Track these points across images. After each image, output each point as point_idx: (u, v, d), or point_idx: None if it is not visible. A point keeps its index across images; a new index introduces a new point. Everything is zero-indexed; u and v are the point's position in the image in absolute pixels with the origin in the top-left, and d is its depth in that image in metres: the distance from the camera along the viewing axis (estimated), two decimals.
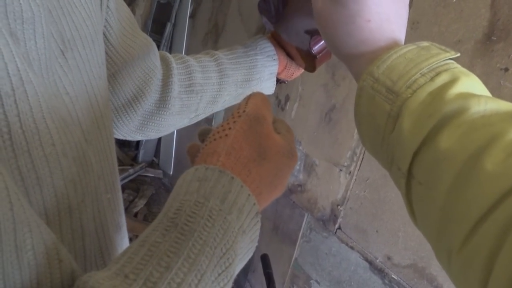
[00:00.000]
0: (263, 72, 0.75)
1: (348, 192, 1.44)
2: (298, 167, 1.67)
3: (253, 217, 0.35)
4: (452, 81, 0.35)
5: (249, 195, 0.35)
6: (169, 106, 0.67)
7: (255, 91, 0.75)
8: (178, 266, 0.29)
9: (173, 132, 2.80)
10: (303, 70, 0.80)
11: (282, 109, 1.80)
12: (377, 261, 1.32)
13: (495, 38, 1.07)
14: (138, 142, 3.15)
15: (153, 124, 0.68)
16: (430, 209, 0.34)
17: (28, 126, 0.32)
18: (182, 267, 0.29)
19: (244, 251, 0.35)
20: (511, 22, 1.04)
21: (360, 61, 0.42)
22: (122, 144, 3.16)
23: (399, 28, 0.43)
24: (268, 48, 0.75)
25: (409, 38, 1.28)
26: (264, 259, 1.33)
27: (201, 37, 2.69)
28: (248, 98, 0.42)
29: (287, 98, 1.78)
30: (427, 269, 1.17)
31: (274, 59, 0.75)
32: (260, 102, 0.42)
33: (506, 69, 1.03)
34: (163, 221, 0.32)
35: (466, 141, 0.31)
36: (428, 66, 0.37)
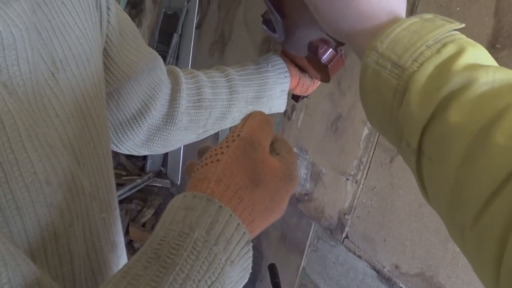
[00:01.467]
0: (274, 89, 0.74)
1: (355, 201, 1.44)
2: (305, 176, 1.68)
3: (244, 246, 0.34)
4: (459, 52, 0.34)
5: (238, 224, 0.34)
6: (176, 121, 0.66)
7: (264, 108, 0.74)
8: None
9: None
10: (319, 83, 0.79)
11: (289, 118, 1.81)
12: (385, 270, 1.31)
13: (499, 46, 1.07)
14: None
15: (159, 139, 0.67)
16: (441, 185, 0.33)
17: (5, 157, 0.32)
18: None
19: (235, 280, 0.34)
20: None
21: (362, 37, 0.41)
22: (130, 155, 3.17)
23: (398, 4, 0.42)
24: (279, 65, 0.73)
25: None
26: (272, 269, 1.33)
27: (207, 47, 2.71)
28: (246, 119, 0.41)
29: (293, 108, 1.79)
30: (435, 278, 1.16)
31: (285, 76, 0.74)
32: (257, 125, 0.40)
33: None
34: (147, 251, 0.31)
35: (476, 114, 0.31)
36: (434, 38, 0.35)
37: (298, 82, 0.76)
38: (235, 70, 0.73)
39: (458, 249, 1.15)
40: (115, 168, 3.11)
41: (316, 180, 1.62)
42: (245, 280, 0.36)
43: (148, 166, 3.06)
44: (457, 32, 0.37)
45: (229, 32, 2.46)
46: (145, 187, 2.88)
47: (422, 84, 0.34)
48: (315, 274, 1.61)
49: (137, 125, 0.62)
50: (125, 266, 0.31)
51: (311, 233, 1.64)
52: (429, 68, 0.34)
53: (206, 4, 2.83)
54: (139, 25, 3.76)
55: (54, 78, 0.39)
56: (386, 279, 1.31)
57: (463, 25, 0.37)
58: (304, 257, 1.66)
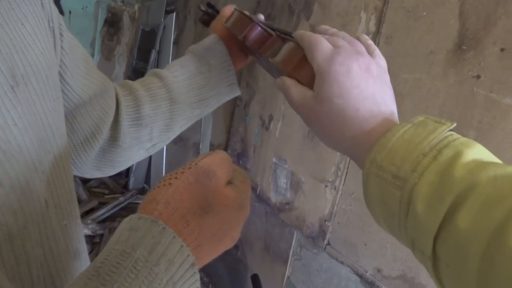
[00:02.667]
0: (219, 86, 0.73)
1: (335, 207, 1.45)
2: (285, 186, 1.68)
3: (188, 268, 0.34)
4: (456, 156, 0.35)
5: (182, 246, 0.34)
6: (120, 142, 0.66)
7: (214, 105, 0.75)
8: None
9: (163, 158, 2.80)
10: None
11: (267, 129, 1.82)
12: (367, 274, 1.31)
13: (465, 47, 1.10)
14: (128, 170, 3.14)
15: (106, 160, 0.68)
16: None
17: None
18: None
19: None
20: (480, 30, 1.06)
21: (360, 149, 0.42)
22: None
23: (387, 106, 0.44)
24: (222, 57, 0.72)
25: (384, 52, 1.30)
26: (255, 280, 1.32)
27: None
28: (207, 154, 0.42)
29: (271, 118, 1.80)
30: (416, 279, 1.17)
31: (229, 70, 0.73)
32: (217, 160, 0.41)
33: (478, 77, 1.06)
34: (89, 270, 0.31)
35: (484, 219, 0.31)
36: (429, 145, 0.36)
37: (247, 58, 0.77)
38: (173, 75, 0.71)
39: None
40: (97, 187, 3.08)
41: (296, 188, 1.63)
42: None
43: (131, 184, 3.04)
44: (450, 133, 0.38)
45: None
46: (128, 205, 2.85)
47: (425, 194, 0.35)
48: (300, 283, 1.61)
49: (90, 147, 0.63)
50: (68, 284, 0.32)
51: (293, 242, 1.64)
52: (429, 176, 0.35)
53: (183, 20, 2.85)
54: (117, 43, 3.76)
55: (13, 91, 0.41)
56: (369, 283, 1.31)
57: (454, 124, 0.38)
58: (288, 266, 1.66)
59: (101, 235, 2.48)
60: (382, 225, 0.42)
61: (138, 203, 2.92)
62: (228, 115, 2.22)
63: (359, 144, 0.42)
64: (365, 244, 1.33)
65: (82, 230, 0.52)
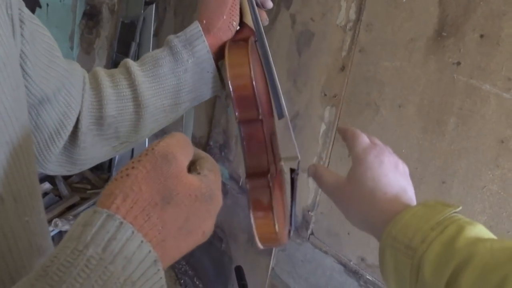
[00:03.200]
0: (197, 90, 0.65)
1: (318, 197, 1.44)
2: None
3: (150, 266, 0.32)
4: (459, 231, 0.41)
5: (141, 242, 0.31)
6: (79, 142, 0.61)
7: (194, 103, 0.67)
8: None
9: None
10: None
11: None
12: (351, 263, 1.31)
13: (445, 34, 1.09)
14: (110, 164, 3.10)
15: (67, 158, 0.63)
16: None
17: None
18: None
19: None
20: (460, 17, 1.06)
21: (381, 225, 0.48)
22: (94, 167, 3.11)
23: (407, 194, 0.51)
24: (203, 57, 0.62)
25: (364, 40, 1.30)
26: (238, 271, 1.32)
27: None
28: (163, 137, 0.39)
29: None
30: None
31: (209, 72, 0.63)
32: (175, 142, 0.38)
33: (458, 63, 1.06)
34: (38, 269, 0.29)
35: (484, 282, 0.37)
36: (437, 222, 0.43)
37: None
38: (144, 74, 0.62)
39: None
40: (79, 182, 3.04)
41: None
42: None
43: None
44: (456, 214, 0.45)
45: None
46: None
47: (432, 261, 0.41)
48: (284, 274, 1.61)
49: (54, 145, 0.58)
50: (15, 285, 0.29)
51: None
52: (436, 247, 0.41)
53: (163, 11, 2.81)
54: (97, 36, 3.70)
55: None
56: (353, 272, 1.31)
57: (460, 207, 0.45)
58: (272, 257, 1.65)
59: None
60: None
61: None
62: (210, 107, 2.20)
63: (381, 222, 0.48)
64: (348, 233, 1.33)
65: (47, 225, 0.49)
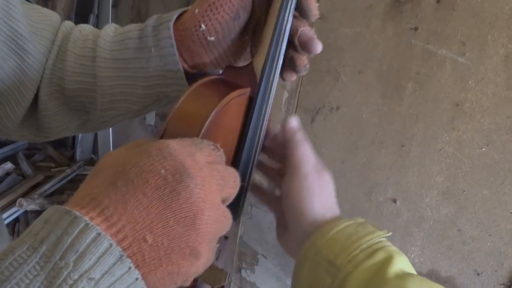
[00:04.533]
0: (162, 92, 0.52)
1: None
2: None
3: (116, 263, 0.28)
4: (388, 259, 0.40)
5: (98, 234, 0.28)
6: (39, 109, 0.56)
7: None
8: None
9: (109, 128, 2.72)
10: None
11: None
12: None
13: (403, 0, 1.11)
14: (73, 141, 3.04)
15: (37, 124, 0.59)
16: None
17: None
18: None
19: None
20: None
21: (303, 233, 0.46)
22: (58, 145, 3.04)
23: (335, 206, 0.50)
24: (167, 49, 0.49)
25: (324, 6, 1.30)
26: None
27: (125, 25, 2.61)
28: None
29: None
30: None
31: (174, 71, 0.50)
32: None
33: (416, 29, 1.07)
34: None
35: None
36: (367, 243, 0.42)
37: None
38: (110, 50, 0.52)
39: (381, 198, 1.19)
40: (42, 161, 2.97)
41: None
42: None
43: (78, 155, 2.94)
44: (385, 239, 0.44)
45: (146, 9, 2.38)
46: (76, 177, 2.77)
47: (356, 285, 0.39)
48: (252, 241, 1.64)
49: (15, 114, 0.55)
50: None
51: None
52: (363, 271, 0.40)
53: None
54: (53, 8, 3.55)
55: None
56: None
57: (390, 233, 0.45)
58: (240, 225, 1.67)
59: None
60: None
61: (85, 175, 2.84)
62: None
63: (309, 226, 0.46)
64: None
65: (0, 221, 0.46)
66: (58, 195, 2.54)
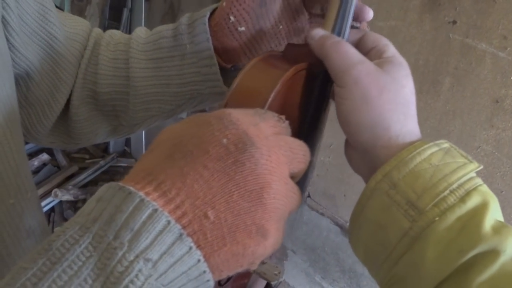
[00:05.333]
0: (197, 89, 0.52)
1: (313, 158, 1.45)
2: None
3: (175, 241, 0.26)
4: (483, 206, 0.31)
5: (155, 210, 0.26)
6: (71, 115, 0.56)
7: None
8: None
9: None
10: None
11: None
12: (347, 224, 1.33)
13: None
14: None
15: (67, 130, 0.58)
16: None
17: None
18: None
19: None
20: None
21: (373, 147, 0.37)
22: None
23: (415, 119, 0.39)
24: (203, 44, 0.49)
25: None
26: None
27: (158, 19, 2.64)
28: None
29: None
30: None
31: (208, 66, 0.50)
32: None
33: (454, 22, 1.04)
34: (44, 243, 0.26)
35: None
36: (458, 182, 0.32)
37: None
38: (144, 51, 0.53)
39: None
40: (77, 152, 3.04)
41: None
42: None
43: (111, 147, 3.00)
44: (475, 174, 0.34)
45: (178, 2, 2.40)
46: (110, 169, 2.83)
47: (442, 237, 0.31)
48: None
49: (47, 118, 0.54)
50: (22, 258, 0.26)
51: None
52: (451, 219, 0.31)
53: None
54: (88, 3, 3.62)
55: None
56: None
57: (481, 166, 0.34)
58: None
59: (84, 200, 2.47)
60: (358, 247, 0.37)
61: (119, 166, 2.90)
62: None
63: (378, 139, 0.36)
64: (344, 195, 1.34)
65: (38, 203, 0.46)
66: (92, 186, 2.60)
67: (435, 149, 0.34)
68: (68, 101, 0.55)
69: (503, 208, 0.33)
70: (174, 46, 0.51)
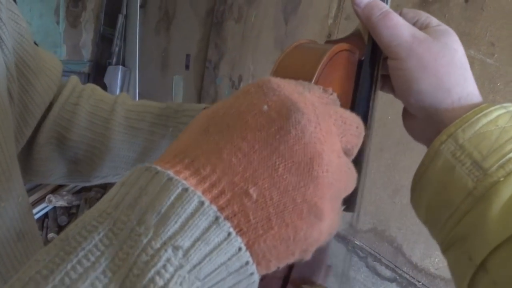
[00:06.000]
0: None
1: None
2: None
3: (210, 226, 0.22)
4: None
5: (186, 190, 0.22)
6: (33, 152, 0.55)
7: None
8: None
9: None
10: None
11: (237, 89, 1.80)
12: (340, 229, 1.34)
13: (431, 0, 1.09)
14: None
15: (25, 166, 0.57)
16: None
17: None
18: None
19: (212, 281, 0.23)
20: None
21: (435, 116, 0.37)
22: None
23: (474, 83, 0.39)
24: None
25: (351, 6, 1.29)
26: None
27: (153, 25, 2.65)
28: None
29: (240, 79, 1.78)
30: (386, 231, 1.20)
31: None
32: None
33: None
34: (62, 233, 0.23)
35: None
36: None
37: None
38: (126, 118, 0.56)
39: (405, 201, 1.18)
40: None
41: None
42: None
43: None
44: None
45: (173, 9, 2.42)
46: None
47: (507, 198, 0.30)
48: None
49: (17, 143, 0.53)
50: (39, 252, 0.24)
51: None
52: None
53: None
54: (83, 9, 3.63)
55: None
56: (342, 238, 1.34)
57: None
58: None
59: (77, 206, 2.47)
60: (420, 208, 0.37)
61: None
62: (198, 78, 2.19)
63: (441, 103, 0.37)
64: None
65: (28, 207, 0.46)
66: (86, 192, 2.59)
67: (502, 111, 0.34)
68: (34, 139, 0.55)
69: None
70: (157, 124, 0.53)
